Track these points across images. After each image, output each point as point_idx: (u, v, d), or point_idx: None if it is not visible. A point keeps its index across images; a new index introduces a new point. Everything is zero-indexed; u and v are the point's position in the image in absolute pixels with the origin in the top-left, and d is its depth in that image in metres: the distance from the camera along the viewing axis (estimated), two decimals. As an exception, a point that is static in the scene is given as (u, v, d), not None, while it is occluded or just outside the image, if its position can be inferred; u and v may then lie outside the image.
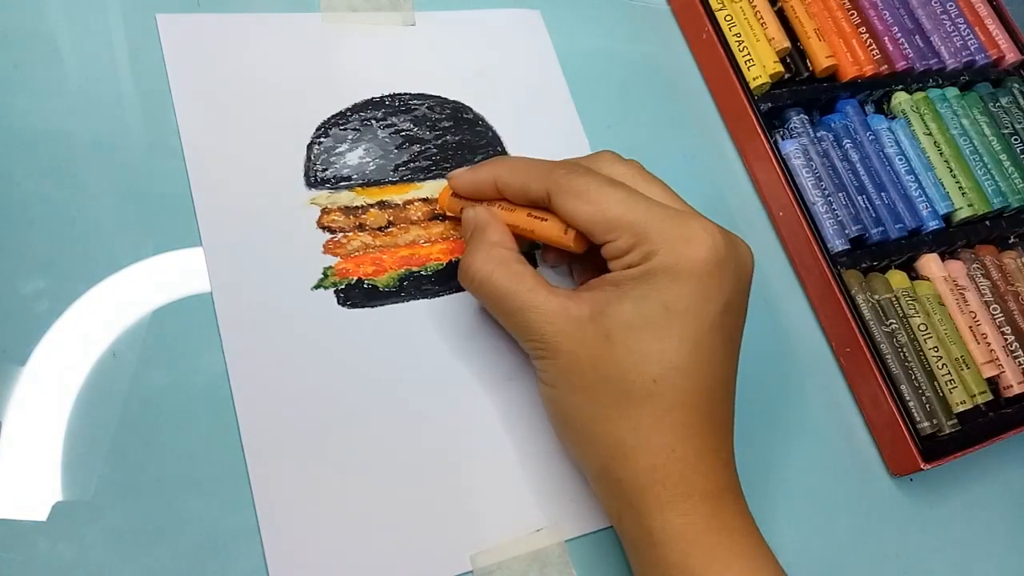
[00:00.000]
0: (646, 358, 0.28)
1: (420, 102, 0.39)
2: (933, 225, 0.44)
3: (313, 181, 0.35)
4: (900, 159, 0.45)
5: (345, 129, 0.37)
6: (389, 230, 0.35)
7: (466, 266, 0.31)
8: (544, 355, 0.29)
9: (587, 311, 0.28)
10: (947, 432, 0.39)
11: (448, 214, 0.36)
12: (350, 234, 0.35)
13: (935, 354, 0.40)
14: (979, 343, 0.42)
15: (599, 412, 0.28)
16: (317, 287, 0.33)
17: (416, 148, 0.38)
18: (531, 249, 0.37)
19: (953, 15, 0.50)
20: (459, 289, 0.35)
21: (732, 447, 0.30)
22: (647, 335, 0.28)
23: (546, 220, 0.31)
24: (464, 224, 0.33)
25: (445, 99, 0.39)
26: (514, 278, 0.30)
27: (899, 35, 0.48)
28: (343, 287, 0.34)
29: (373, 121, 0.37)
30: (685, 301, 0.28)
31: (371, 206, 0.36)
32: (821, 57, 0.45)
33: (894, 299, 0.41)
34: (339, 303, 0.33)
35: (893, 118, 0.47)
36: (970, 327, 0.42)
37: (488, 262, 0.30)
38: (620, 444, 0.28)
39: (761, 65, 0.44)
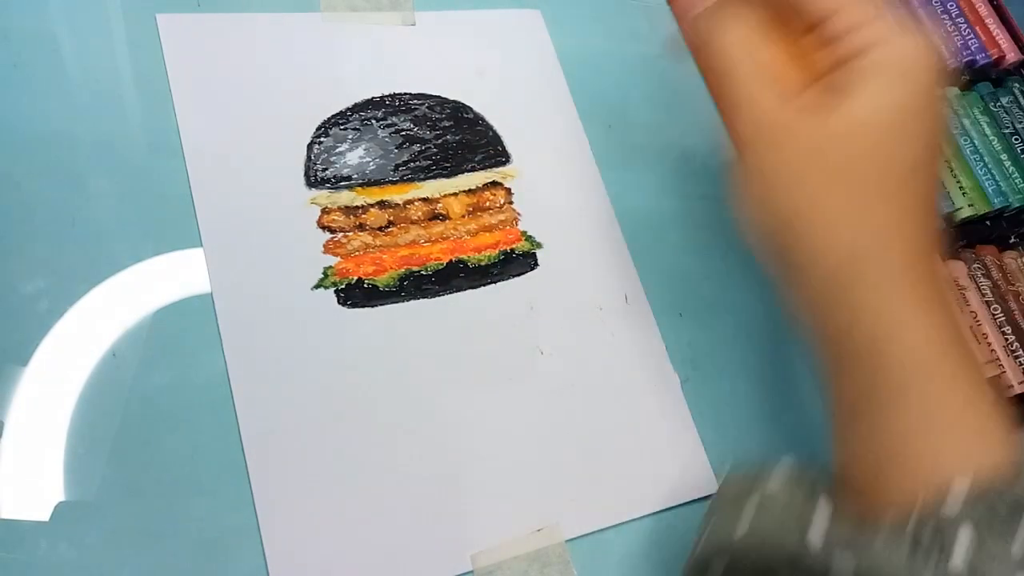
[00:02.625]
0: (890, 157, 0.27)
1: (420, 102, 0.39)
2: (933, 225, 0.44)
3: (313, 181, 0.35)
4: (900, 159, 0.45)
5: (345, 129, 0.37)
6: (389, 230, 0.35)
7: (710, 23, 0.30)
8: (772, 143, 0.28)
9: (818, 105, 0.27)
10: (947, 432, 0.39)
11: (450, 213, 0.35)
12: (350, 234, 0.35)
13: (935, 354, 0.40)
14: (979, 343, 0.42)
15: (840, 201, 0.27)
16: (317, 287, 0.33)
17: (416, 148, 0.38)
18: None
19: (953, 15, 0.50)
20: (459, 289, 0.35)
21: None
22: (888, 134, 0.27)
23: None
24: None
25: (445, 99, 0.39)
26: (756, 56, 0.29)
27: (899, 35, 0.48)
28: (343, 287, 0.34)
29: (373, 121, 0.37)
30: (919, 101, 0.27)
31: (371, 206, 0.36)
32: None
33: (894, 299, 0.41)
34: (339, 303, 0.33)
35: (893, 118, 0.47)
36: (970, 327, 0.42)
37: (738, 26, 0.29)
38: (861, 244, 0.26)
39: (761, 65, 0.44)
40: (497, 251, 0.37)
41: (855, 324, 0.27)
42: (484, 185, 0.38)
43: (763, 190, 0.29)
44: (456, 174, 0.38)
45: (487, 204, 0.38)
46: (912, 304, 0.26)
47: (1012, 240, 0.46)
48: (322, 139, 0.36)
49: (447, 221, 0.37)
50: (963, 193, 0.45)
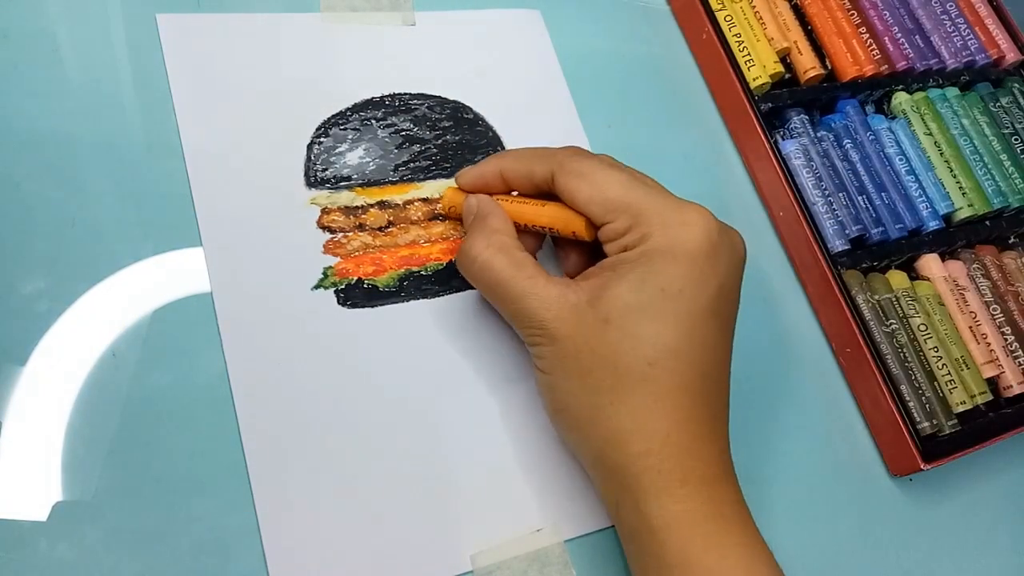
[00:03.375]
0: (642, 341, 0.28)
1: (420, 102, 0.39)
2: (933, 225, 0.44)
3: (313, 181, 0.35)
4: (900, 159, 0.45)
5: (345, 129, 0.37)
6: (389, 230, 0.35)
7: (466, 250, 0.31)
8: (541, 342, 0.29)
9: (585, 297, 0.29)
10: (947, 432, 0.39)
11: (451, 213, 0.36)
12: (350, 234, 0.35)
13: (935, 354, 0.40)
14: (979, 343, 0.42)
15: (595, 398, 0.28)
16: (317, 287, 0.33)
17: (416, 148, 0.38)
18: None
19: (953, 15, 0.50)
20: (459, 289, 0.35)
21: (727, 434, 0.30)
22: (643, 318, 0.28)
23: (550, 207, 0.32)
24: (465, 212, 0.33)
25: (445, 99, 0.39)
26: (514, 264, 0.30)
27: (899, 35, 0.48)
28: (343, 287, 0.34)
29: (373, 121, 0.37)
30: (680, 283, 0.28)
31: (371, 206, 0.36)
32: (801, 71, 0.45)
33: (894, 299, 0.41)
34: (339, 303, 0.33)
35: (893, 118, 0.47)
36: (970, 327, 0.42)
37: (488, 247, 0.30)
38: (616, 429, 0.28)
39: (761, 65, 0.44)
40: (497, 251, 0.37)
41: (633, 519, 0.28)
42: (484, 185, 0.38)
43: (545, 389, 0.31)
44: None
45: (487, 204, 0.38)
46: (670, 491, 0.28)
47: (1012, 240, 0.46)
48: (322, 139, 0.36)
49: (447, 221, 0.37)
50: (963, 193, 0.45)
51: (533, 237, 0.34)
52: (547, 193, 0.32)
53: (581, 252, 0.34)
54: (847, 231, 0.42)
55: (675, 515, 0.27)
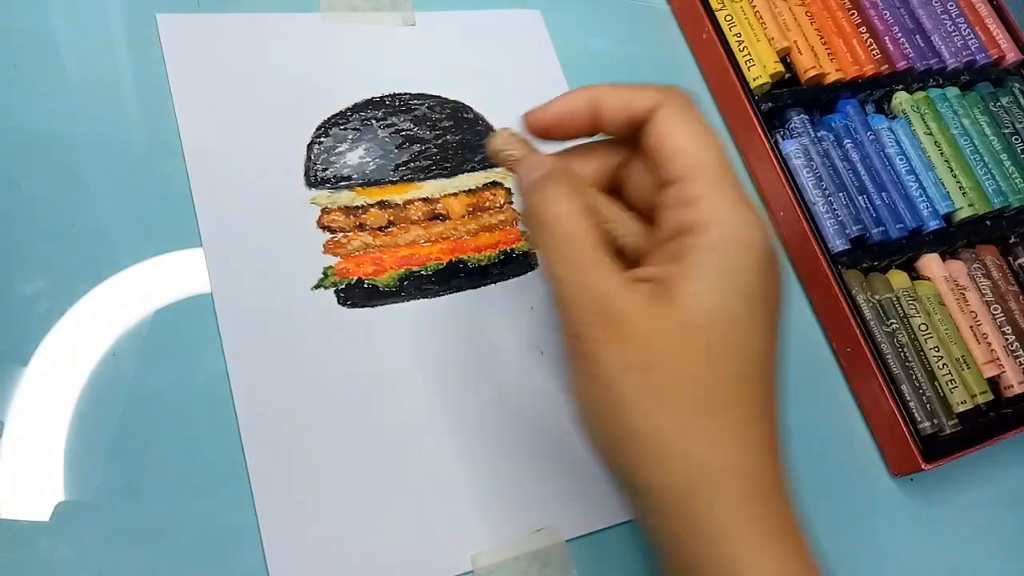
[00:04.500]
0: (730, 355, 0.23)
1: (420, 102, 0.39)
2: (934, 225, 0.44)
3: (313, 181, 0.35)
4: (901, 159, 0.45)
5: (345, 129, 0.37)
6: (389, 230, 0.35)
7: (542, 195, 0.25)
8: (606, 337, 0.23)
9: (654, 294, 0.23)
10: (948, 432, 0.39)
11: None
12: (350, 234, 0.35)
13: (936, 354, 0.40)
14: (980, 343, 0.42)
15: (675, 422, 0.23)
16: (317, 287, 0.33)
17: (416, 148, 0.38)
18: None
19: (953, 15, 0.50)
20: (459, 289, 0.35)
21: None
22: (732, 324, 0.23)
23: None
24: (526, 166, 0.27)
25: (445, 99, 0.39)
26: (596, 231, 0.24)
27: (899, 35, 0.48)
28: (343, 287, 0.34)
29: (373, 121, 0.37)
30: (765, 286, 0.23)
31: (371, 206, 0.36)
32: (801, 70, 0.45)
33: (895, 299, 0.41)
34: (339, 303, 0.33)
35: (893, 118, 0.47)
36: (971, 327, 0.42)
37: (574, 197, 0.25)
38: (699, 464, 0.22)
39: (761, 65, 0.44)
40: (497, 251, 0.37)
41: (705, 557, 0.23)
42: (484, 185, 0.38)
43: (595, 401, 0.24)
44: (456, 174, 0.38)
45: (487, 204, 0.38)
46: (762, 535, 0.23)
47: (1012, 240, 0.46)
48: (322, 139, 0.36)
49: (447, 221, 0.37)
50: (963, 193, 0.45)
51: None
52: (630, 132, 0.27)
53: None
54: (847, 231, 0.42)
55: (762, 566, 0.22)
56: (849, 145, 0.44)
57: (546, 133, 0.28)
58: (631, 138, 0.27)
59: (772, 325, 0.24)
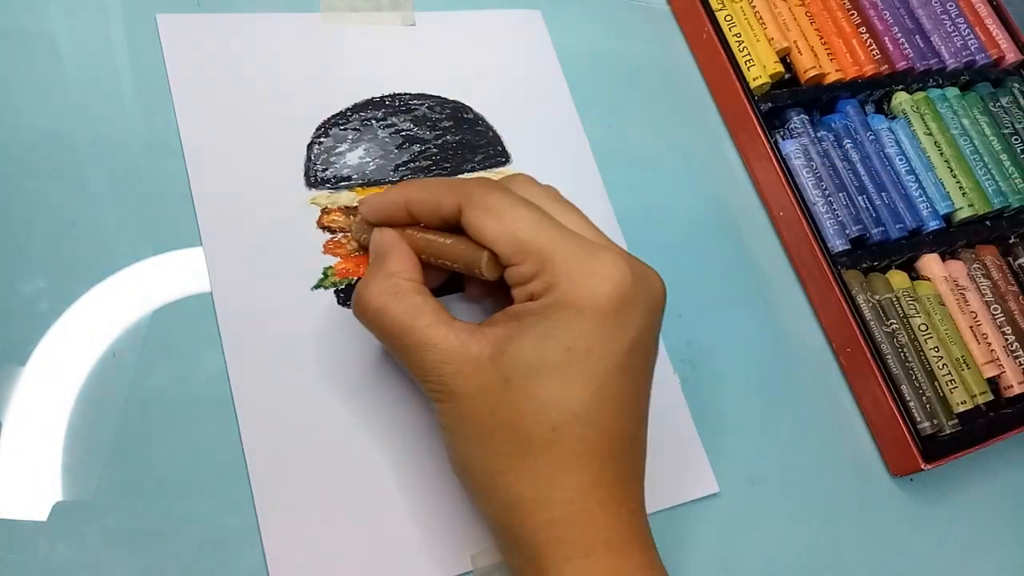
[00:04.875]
0: (545, 404, 0.25)
1: (420, 102, 0.39)
2: (934, 225, 0.44)
3: (313, 181, 0.35)
4: (900, 159, 0.45)
5: (345, 129, 0.37)
6: (389, 230, 0.35)
7: (359, 295, 0.28)
8: (441, 398, 0.27)
9: (488, 350, 0.26)
10: (947, 432, 0.39)
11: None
12: (350, 234, 0.35)
13: (935, 354, 0.40)
14: (980, 343, 0.42)
15: (495, 463, 0.26)
16: (317, 287, 0.33)
17: (416, 148, 0.38)
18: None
19: (953, 15, 0.50)
20: (458, 290, 0.35)
21: (641, 493, 0.28)
22: (547, 379, 0.26)
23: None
24: (371, 247, 0.30)
25: (445, 99, 0.39)
26: (410, 311, 0.27)
27: (899, 35, 0.48)
28: (343, 287, 0.34)
29: (373, 121, 0.37)
30: (588, 341, 0.26)
31: (371, 206, 0.36)
32: (801, 70, 0.45)
33: (895, 299, 0.41)
34: (339, 303, 0.33)
35: (893, 118, 0.47)
36: (971, 327, 0.42)
37: (383, 293, 0.28)
38: (517, 498, 0.26)
39: (761, 65, 0.44)
40: (497, 251, 0.37)
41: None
42: (484, 185, 0.38)
43: (445, 442, 0.28)
44: (456, 174, 0.38)
45: (487, 204, 0.38)
46: (571, 555, 0.25)
47: (1012, 240, 0.46)
48: (322, 139, 0.36)
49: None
50: (963, 193, 0.45)
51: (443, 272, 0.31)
52: (456, 228, 0.29)
53: (493, 289, 0.32)
54: (847, 231, 0.42)
55: None
56: (849, 145, 0.44)
57: (376, 221, 0.31)
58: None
59: (603, 376, 0.26)
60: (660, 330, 0.29)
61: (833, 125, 0.45)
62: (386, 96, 0.38)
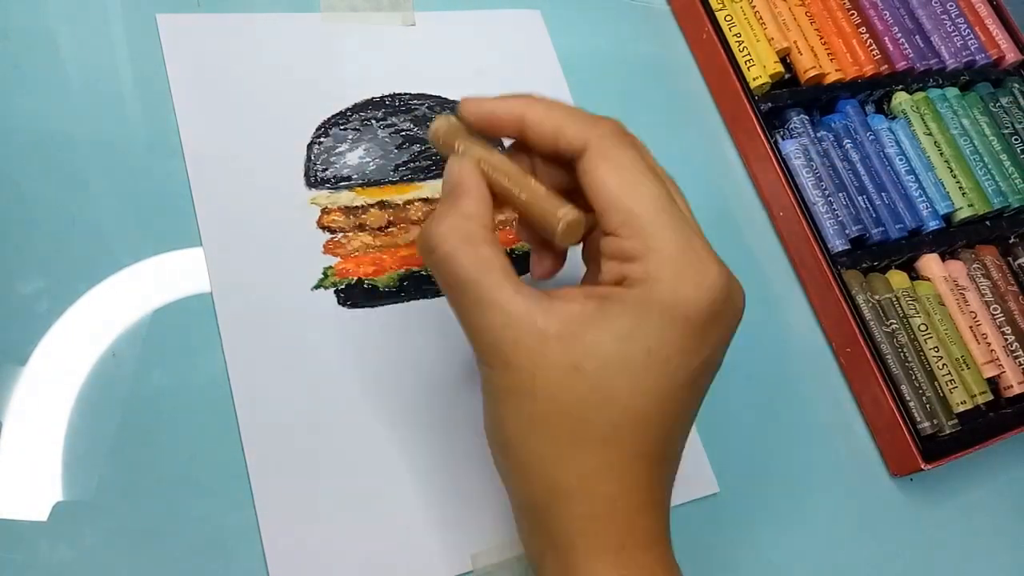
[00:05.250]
0: (612, 401, 0.24)
1: (420, 102, 0.39)
2: (933, 225, 0.44)
3: (313, 181, 0.35)
4: (900, 159, 0.45)
5: (345, 129, 0.37)
6: (389, 230, 0.35)
7: (428, 232, 0.26)
8: (493, 364, 0.25)
9: (556, 327, 0.24)
10: (947, 432, 0.39)
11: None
12: (350, 234, 0.35)
13: (935, 354, 0.40)
14: (979, 343, 0.42)
15: (544, 447, 0.25)
16: (317, 287, 0.33)
17: (416, 148, 0.38)
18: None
19: (953, 15, 0.50)
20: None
21: (670, 495, 0.27)
22: (621, 377, 0.24)
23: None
24: (445, 176, 0.27)
25: (445, 99, 0.39)
26: (480, 263, 0.25)
27: (899, 35, 0.48)
28: (343, 287, 0.34)
29: (373, 121, 0.37)
30: (670, 349, 0.24)
31: (371, 206, 0.36)
32: (801, 71, 0.45)
33: (894, 299, 0.41)
34: (339, 303, 0.33)
35: (893, 118, 0.47)
36: (970, 327, 0.42)
37: (454, 235, 0.25)
38: (562, 487, 0.25)
39: (761, 65, 0.44)
40: (497, 251, 0.37)
41: (557, 570, 0.25)
42: (484, 185, 0.38)
43: (486, 413, 0.26)
44: (456, 174, 0.38)
45: (487, 204, 0.38)
46: (605, 551, 0.25)
47: (1012, 240, 0.46)
48: (322, 139, 0.36)
49: (447, 221, 0.37)
50: (963, 193, 0.45)
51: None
52: (561, 162, 0.26)
53: (558, 254, 0.30)
54: (847, 231, 0.42)
55: None
56: (849, 145, 0.44)
57: (476, 127, 0.28)
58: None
59: (674, 386, 0.25)
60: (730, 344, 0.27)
61: (833, 125, 0.45)
62: (386, 96, 0.38)
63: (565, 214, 0.25)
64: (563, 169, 0.27)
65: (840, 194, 0.43)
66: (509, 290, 0.24)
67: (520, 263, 0.37)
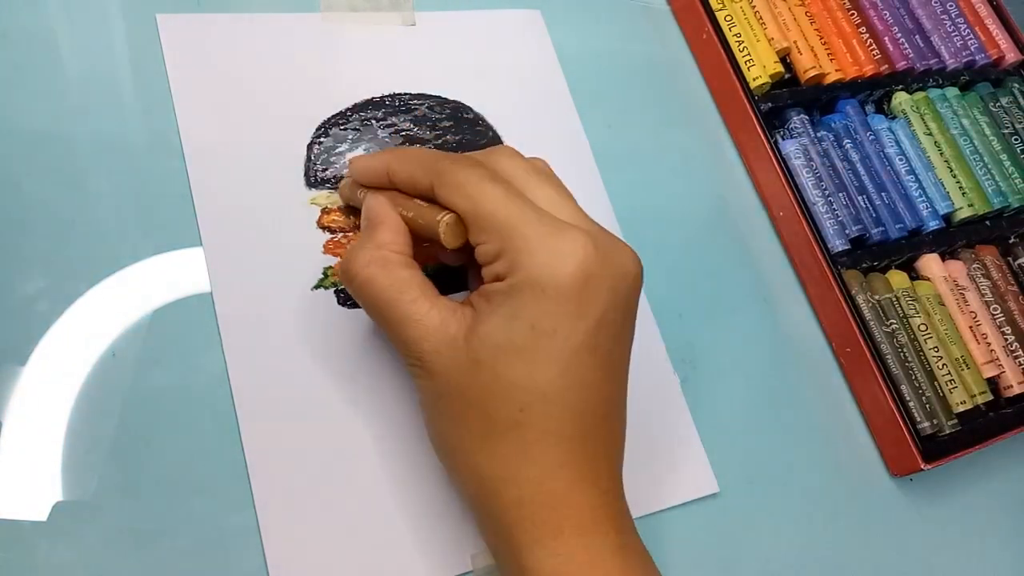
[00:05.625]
0: (513, 385, 0.26)
1: (420, 102, 0.39)
2: (933, 225, 0.44)
3: (313, 181, 0.35)
4: (900, 159, 0.45)
5: (345, 129, 0.37)
6: (389, 230, 0.35)
7: (347, 263, 0.28)
8: (419, 375, 0.27)
9: (463, 330, 0.26)
10: (947, 432, 0.39)
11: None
12: (350, 234, 0.35)
13: (935, 354, 0.40)
14: (979, 343, 0.42)
15: (468, 443, 0.27)
16: (317, 287, 0.33)
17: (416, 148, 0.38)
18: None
19: (953, 15, 0.50)
20: (459, 289, 0.35)
21: (617, 473, 0.28)
22: (514, 360, 0.26)
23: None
24: (363, 213, 0.30)
25: (445, 99, 0.39)
26: (396, 284, 0.27)
27: (899, 35, 0.48)
28: (343, 287, 0.34)
29: (373, 121, 0.37)
30: (551, 320, 0.25)
31: (371, 206, 0.36)
32: (801, 71, 0.45)
33: (894, 299, 0.41)
34: (339, 303, 0.33)
35: (893, 118, 0.47)
36: (970, 327, 0.42)
37: (371, 263, 0.28)
38: (489, 477, 0.26)
39: (761, 65, 0.44)
40: (497, 251, 0.37)
41: (503, 552, 0.27)
42: (484, 185, 0.38)
43: (425, 419, 0.29)
44: (456, 174, 0.38)
45: (487, 204, 0.38)
46: (540, 533, 0.26)
47: (1012, 240, 0.46)
48: (322, 139, 0.36)
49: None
50: (963, 193, 0.45)
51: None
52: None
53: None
54: (847, 231, 0.42)
55: (549, 568, 0.25)
56: (849, 145, 0.44)
57: (362, 181, 0.31)
58: None
59: (566, 353, 0.26)
60: (635, 309, 0.28)
61: (833, 125, 0.45)
62: (386, 96, 0.38)
63: (443, 216, 0.28)
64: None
65: (840, 194, 0.43)
66: (425, 305, 0.27)
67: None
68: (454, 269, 0.34)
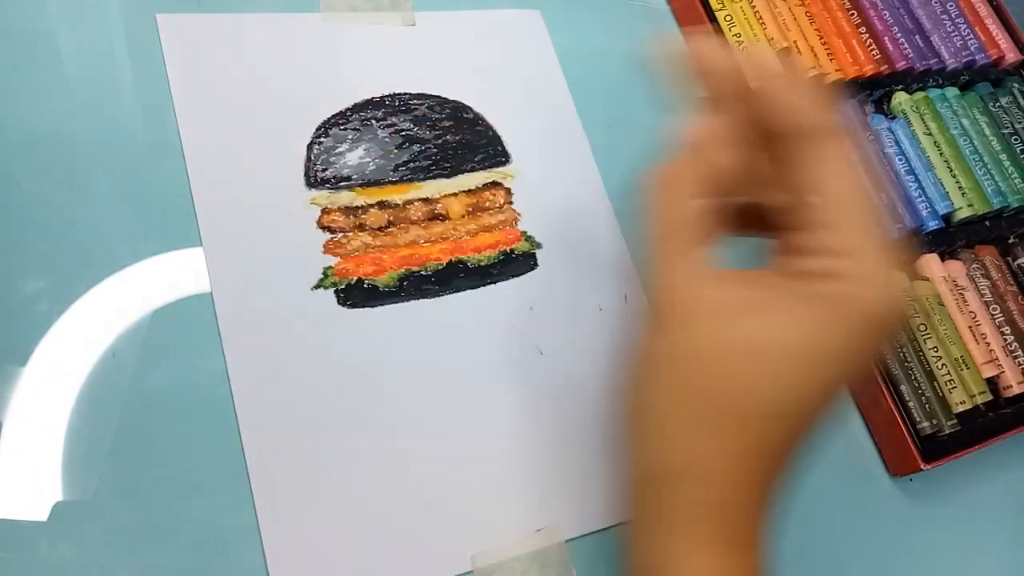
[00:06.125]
0: (754, 393, 0.23)
1: (420, 102, 0.39)
2: (933, 225, 0.44)
3: (313, 181, 0.35)
4: (900, 159, 0.45)
5: (345, 129, 0.37)
6: (389, 230, 0.35)
7: (652, 174, 0.26)
8: (651, 324, 0.24)
9: (730, 302, 0.24)
10: (947, 432, 0.39)
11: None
12: (350, 234, 0.35)
13: (935, 354, 0.40)
14: (979, 343, 0.42)
15: (681, 422, 0.24)
16: (317, 287, 0.33)
17: (416, 148, 0.38)
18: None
19: (953, 15, 0.50)
20: (459, 289, 0.35)
21: (777, 501, 0.26)
22: (773, 368, 0.23)
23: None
24: (693, 126, 0.27)
25: (445, 99, 0.39)
26: (670, 224, 0.25)
27: (899, 35, 0.48)
28: (343, 287, 0.34)
29: (373, 121, 0.37)
30: (836, 353, 0.23)
31: (371, 206, 0.36)
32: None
33: (894, 299, 0.41)
34: (339, 303, 0.33)
35: (893, 118, 0.47)
36: (970, 327, 0.42)
37: (664, 189, 0.25)
38: (682, 466, 0.24)
39: (761, 65, 0.44)
40: (497, 251, 0.37)
41: (654, 550, 0.25)
42: (484, 185, 0.38)
43: (630, 380, 0.26)
44: (456, 174, 0.38)
45: (487, 204, 0.38)
46: (701, 537, 0.24)
47: (1011, 240, 0.46)
48: (322, 139, 0.36)
49: (447, 221, 0.37)
50: (962, 193, 0.45)
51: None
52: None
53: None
54: (847, 231, 0.42)
55: (703, 572, 0.24)
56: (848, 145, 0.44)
57: (707, 86, 0.27)
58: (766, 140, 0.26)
59: (827, 385, 0.24)
60: None
61: (833, 125, 0.45)
62: (386, 96, 0.38)
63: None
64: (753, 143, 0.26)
65: (840, 194, 0.43)
66: (684, 257, 0.24)
67: (520, 263, 0.37)
68: None
